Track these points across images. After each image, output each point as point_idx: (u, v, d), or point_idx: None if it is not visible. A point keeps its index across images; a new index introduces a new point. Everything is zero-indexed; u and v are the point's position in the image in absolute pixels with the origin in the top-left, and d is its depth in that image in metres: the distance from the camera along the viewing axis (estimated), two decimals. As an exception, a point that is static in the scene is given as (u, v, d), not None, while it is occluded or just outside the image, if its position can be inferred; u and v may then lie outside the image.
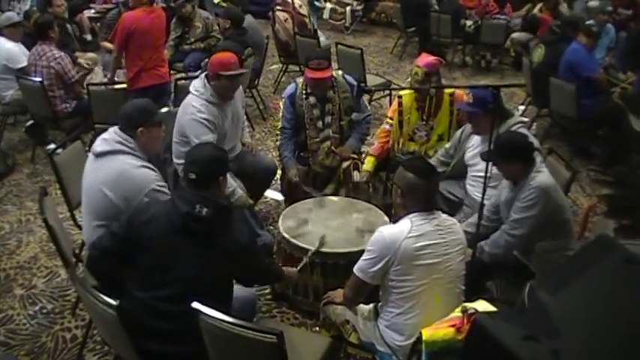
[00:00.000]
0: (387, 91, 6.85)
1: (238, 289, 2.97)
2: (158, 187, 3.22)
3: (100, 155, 3.28)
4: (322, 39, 8.68)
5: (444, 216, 2.90)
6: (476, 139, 4.01)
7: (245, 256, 2.81)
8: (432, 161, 4.31)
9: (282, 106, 4.66)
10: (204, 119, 4.03)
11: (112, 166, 3.23)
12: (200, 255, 2.65)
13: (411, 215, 2.80)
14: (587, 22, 7.24)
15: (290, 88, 4.67)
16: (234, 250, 2.72)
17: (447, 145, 4.32)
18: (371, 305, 3.10)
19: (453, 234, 2.84)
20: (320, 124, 4.56)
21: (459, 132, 4.27)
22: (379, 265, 2.75)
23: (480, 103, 3.77)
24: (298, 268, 3.54)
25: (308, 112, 4.54)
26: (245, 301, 3.08)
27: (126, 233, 2.72)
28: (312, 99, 4.53)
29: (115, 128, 3.31)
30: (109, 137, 3.29)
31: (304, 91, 4.55)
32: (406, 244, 2.70)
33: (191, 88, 4.19)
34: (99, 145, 3.31)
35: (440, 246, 2.77)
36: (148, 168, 3.29)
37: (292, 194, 4.62)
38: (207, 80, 4.13)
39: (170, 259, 2.65)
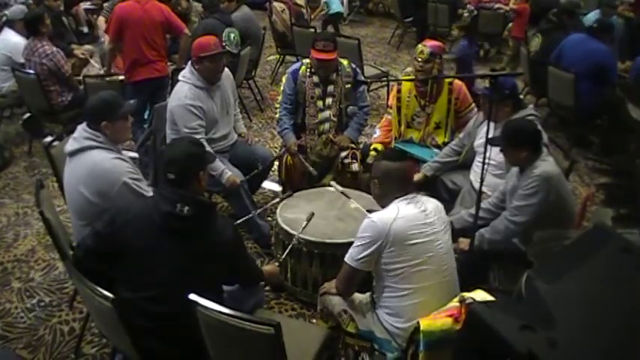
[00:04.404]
0: (385, 82, 6.87)
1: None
2: (130, 181, 3.20)
3: (72, 154, 3.27)
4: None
5: (425, 198, 2.96)
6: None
7: (230, 250, 2.77)
8: (446, 150, 4.38)
9: (284, 81, 4.68)
10: (191, 105, 4.11)
11: (84, 162, 3.21)
12: (185, 254, 2.63)
13: (396, 200, 2.85)
14: (597, 17, 7.30)
15: (295, 65, 4.76)
16: (219, 245, 2.70)
17: (461, 135, 4.34)
18: (367, 294, 3.10)
19: (437, 214, 2.89)
20: (320, 103, 4.58)
21: (472, 120, 4.30)
22: (371, 250, 2.77)
23: (497, 88, 3.72)
24: (282, 256, 3.55)
25: (309, 90, 4.56)
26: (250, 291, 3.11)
27: (109, 232, 2.70)
28: (315, 78, 4.56)
29: (83, 125, 3.29)
30: (78, 135, 3.27)
31: (309, 70, 4.58)
32: (397, 226, 2.73)
33: (180, 77, 4.29)
34: (70, 144, 3.29)
35: (428, 225, 2.81)
36: (121, 159, 3.27)
37: (290, 179, 4.65)
38: (193, 66, 4.22)
39: (155, 259, 2.63)
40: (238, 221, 3.92)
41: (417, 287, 2.78)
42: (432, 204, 2.92)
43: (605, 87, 6.01)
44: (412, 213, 2.80)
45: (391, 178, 2.90)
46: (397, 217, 2.76)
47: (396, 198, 2.86)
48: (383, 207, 2.94)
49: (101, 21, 6.94)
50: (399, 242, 2.74)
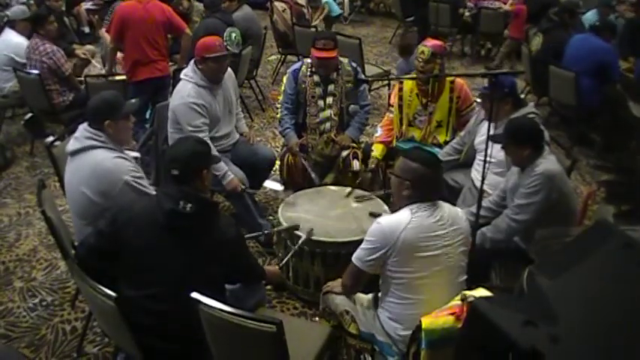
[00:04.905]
0: (386, 81, 6.86)
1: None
2: (132, 180, 3.19)
3: (73, 154, 3.27)
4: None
5: (447, 206, 2.85)
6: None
7: (233, 248, 2.77)
8: (447, 148, 4.39)
9: (285, 81, 4.68)
10: (194, 103, 4.11)
11: (86, 162, 3.21)
12: (187, 252, 2.63)
13: (411, 206, 2.76)
14: (595, 16, 7.31)
15: (296, 65, 4.75)
16: (221, 243, 2.70)
17: (462, 133, 4.34)
18: (370, 295, 3.09)
19: (454, 224, 2.80)
20: (321, 103, 4.57)
21: (472, 119, 4.30)
22: (377, 255, 2.74)
23: (497, 86, 3.70)
24: (282, 263, 3.56)
25: (310, 89, 4.56)
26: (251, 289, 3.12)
27: (111, 230, 2.71)
28: (316, 77, 4.56)
29: (85, 125, 3.29)
30: (80, 135, 3.27)
31: (309, 69, 4.57)
32: (405, 236, 2.67)
33: (182, 75, 4.28)
34: (71, 144, 3.29)
35: (440, 238, 2.73)
36: (123, 158, 3.27)
37: (292, 179, 4.65)
38: (196, 65, 4.22)
39: (157, 257, 2.63)
40: (249, 235, 3.89)
41: (421, 299, 2.74)
42: (449, 213, 2.81)
43: (607, 84, 6.01)
44: (425, 223, 2.71)
45: (424, 185, 2.77)
46: (408, 225, 2.68)
47: (416, 202, 2.76)
48: (399, 208, 2.85)
49: (103, 32, 6.96)
50: (406, 252, 2.69)
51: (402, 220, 2.71)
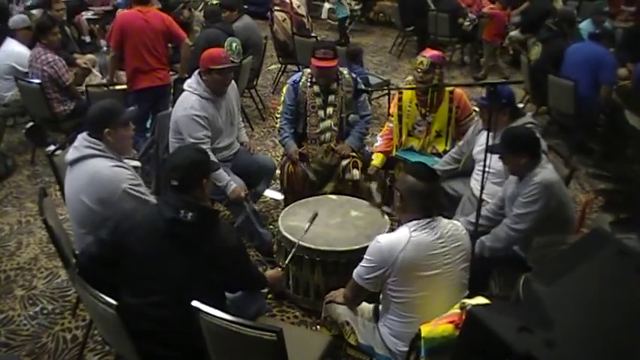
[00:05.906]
0: (386, 91, 6.90)
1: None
2: (130, 189, 3.20)
3: (73, 163, 3.28)
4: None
5: (447, 222, 2.82)
6: (486, 136, 4.02)
7: (233, 256, 2.78)
8: (446, 158, 4.39)
9: (284, 92, 4.68)
10: (197, 115, 4.10)
11: (84, 171, 3.22)
12: (188, 260, 2.64)
13: (410, 224, 2.74)
14: (590, 25, 7.35)
15: (295, 76, 4.74)
16: (222, 251, 2.71)
17: (460, 143, 4.35)
18: (371, 306, 3.09)
19: (455, 242, 2.77)
20: (321, 113, 4.58)
21: (470, 129, 4.30)
22: (375, 274, 2.74)
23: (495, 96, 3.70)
24: (286, 262, 3.56)
25: (310, 100, 4.56)
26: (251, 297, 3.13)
27: (113, 239, 2.72)
28: (316, 87, 4.56)
29: (84, 134, 3.30)
30: (78, 144, 3.28)
31: (309, 79, 4.58)
32: (403, 257, 2.65)
33: (185, 86, 4.27)
34: (70, 153, 3.30)
35: (440, 256, 2.71)
36: (121, 167, 3.27)
37: (292, 188, 4.65)
38: (200, 76, 4.20)
39: (158, 265, 2.64)
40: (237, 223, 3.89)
41: (422, 317, 2.68)
42: (449, 230, 2.77)
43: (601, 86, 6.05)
44: (424, 242, 2.69)
45: (414, 198, 2.75)
46: (406, 246, 2.66)
47: (414, 219, 2.74)
48: (401, 222, 2.86)
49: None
50: (405, 272, 2.67)
51: (401, 239, 2.70)
